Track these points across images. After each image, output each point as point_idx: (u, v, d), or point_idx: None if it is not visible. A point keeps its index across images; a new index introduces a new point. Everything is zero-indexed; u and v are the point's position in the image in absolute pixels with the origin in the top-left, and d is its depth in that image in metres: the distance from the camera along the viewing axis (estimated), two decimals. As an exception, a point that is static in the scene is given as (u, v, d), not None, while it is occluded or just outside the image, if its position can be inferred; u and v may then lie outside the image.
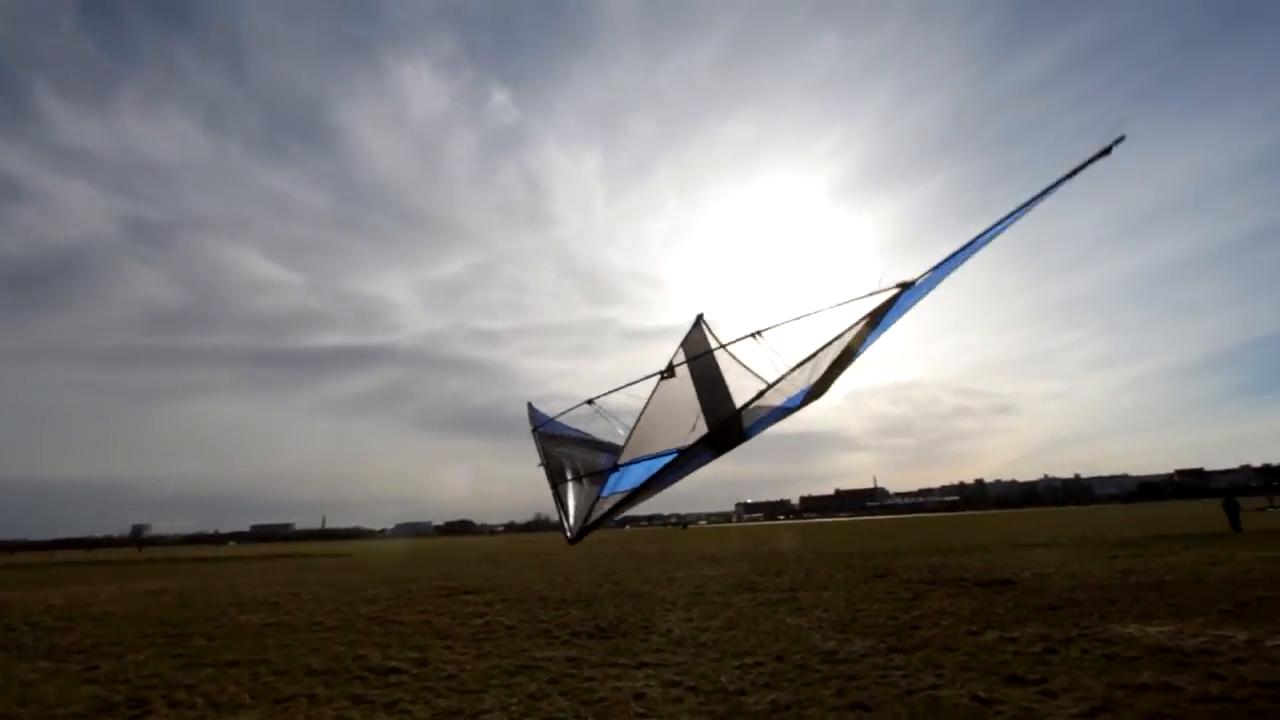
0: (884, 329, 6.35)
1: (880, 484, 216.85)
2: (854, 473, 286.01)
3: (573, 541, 7.56)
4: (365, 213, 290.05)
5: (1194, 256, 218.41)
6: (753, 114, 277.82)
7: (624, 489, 7.22)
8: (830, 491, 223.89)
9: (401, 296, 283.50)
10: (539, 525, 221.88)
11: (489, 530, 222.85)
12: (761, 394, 6.24)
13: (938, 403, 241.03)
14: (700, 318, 8.00)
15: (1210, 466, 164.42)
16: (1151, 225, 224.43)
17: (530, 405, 9.13)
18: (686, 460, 6.65)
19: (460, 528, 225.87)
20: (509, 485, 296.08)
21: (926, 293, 6.00)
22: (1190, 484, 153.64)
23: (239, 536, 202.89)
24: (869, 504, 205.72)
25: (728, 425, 6.57)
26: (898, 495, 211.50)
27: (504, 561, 28.31)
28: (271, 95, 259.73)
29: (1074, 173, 4.86)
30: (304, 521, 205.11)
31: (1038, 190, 5.10)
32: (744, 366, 7.04)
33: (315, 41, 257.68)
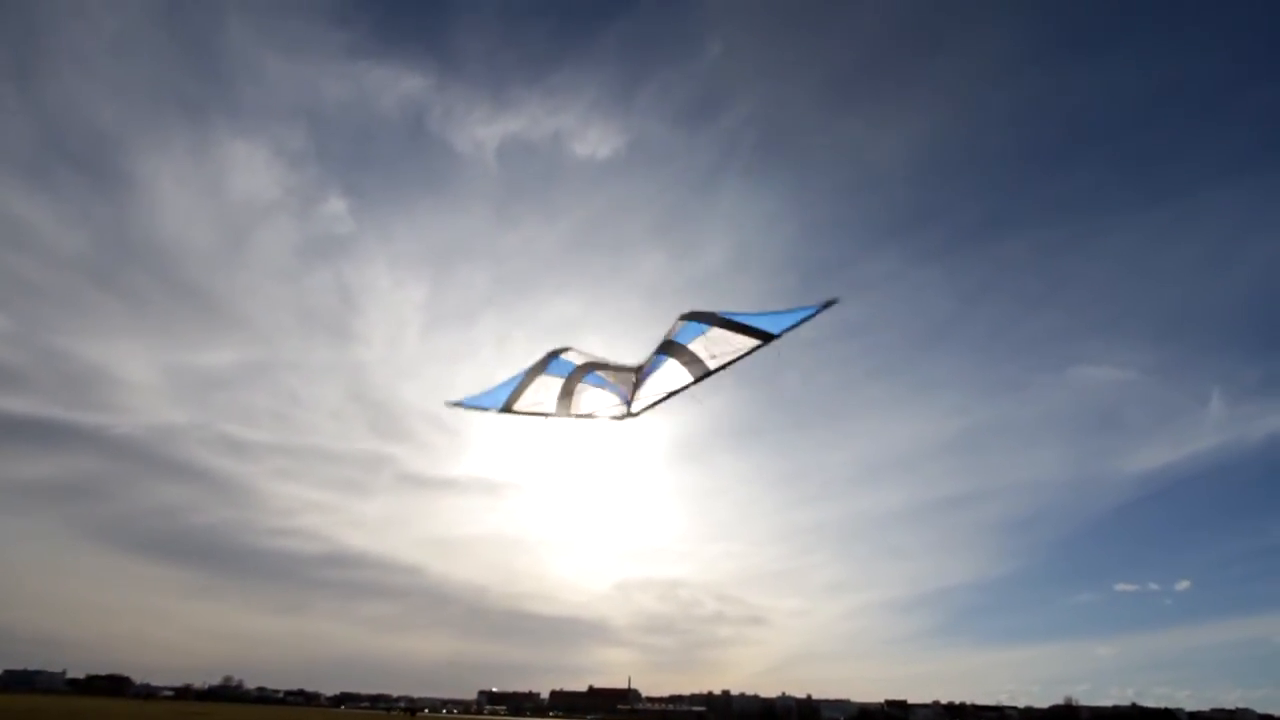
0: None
1: (635, 684, 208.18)
2: (611, 669, 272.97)
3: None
4: (129, 270, 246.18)
5: (905, 508, 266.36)
6: (583, 296, 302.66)
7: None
8: (584, 688, 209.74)
9: (137, 374, 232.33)
10: (227, 692, 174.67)
11: (149, 692, 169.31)
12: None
13: (701, 605, 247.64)
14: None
15: (912, 699, 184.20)
16: (879, 475, 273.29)
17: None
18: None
19: (109, 685, 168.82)
20: (195, 634, 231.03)
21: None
22: (896, 714, 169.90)
23: None
24: (620, 706, 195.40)
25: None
26: (649, 699, 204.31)
27: None
28: (58, 115, 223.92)
29: (810, 316, 7.69)
30: None
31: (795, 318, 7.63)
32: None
33: (138, 81, 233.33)
